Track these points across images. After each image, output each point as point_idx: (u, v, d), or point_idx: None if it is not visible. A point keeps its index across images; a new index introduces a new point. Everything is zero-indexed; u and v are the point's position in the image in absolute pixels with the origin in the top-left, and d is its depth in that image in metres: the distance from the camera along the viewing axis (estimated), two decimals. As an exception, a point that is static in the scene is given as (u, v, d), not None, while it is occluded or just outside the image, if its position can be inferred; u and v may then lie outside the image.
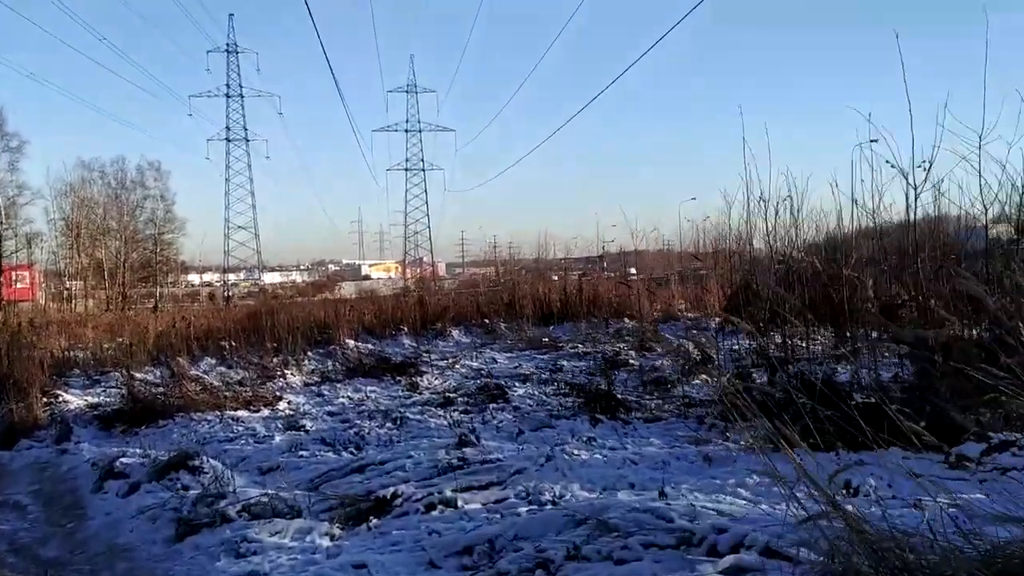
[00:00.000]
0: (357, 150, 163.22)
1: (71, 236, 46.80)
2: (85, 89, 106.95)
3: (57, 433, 8.66)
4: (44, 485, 6.93)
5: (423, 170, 71.52)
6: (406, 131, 70.56)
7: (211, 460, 5.77)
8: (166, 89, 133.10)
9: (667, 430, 6.08)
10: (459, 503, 4.45)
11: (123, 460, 6.41)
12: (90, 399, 10.89)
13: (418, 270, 72.99)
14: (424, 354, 13.86)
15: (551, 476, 4.69)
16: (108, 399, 10.97)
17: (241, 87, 63.75)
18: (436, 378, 10.50)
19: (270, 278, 74.62)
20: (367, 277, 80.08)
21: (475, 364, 12.29)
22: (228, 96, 63.58)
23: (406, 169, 71.93)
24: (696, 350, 9.03)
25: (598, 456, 5.17)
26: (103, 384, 12.20)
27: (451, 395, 8.62)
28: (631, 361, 10.62)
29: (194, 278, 71.41)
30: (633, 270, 43.53)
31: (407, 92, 69.85)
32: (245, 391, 9.53)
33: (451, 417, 7.24)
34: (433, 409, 7.79)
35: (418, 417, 7.44)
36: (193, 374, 11.59)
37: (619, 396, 7.07)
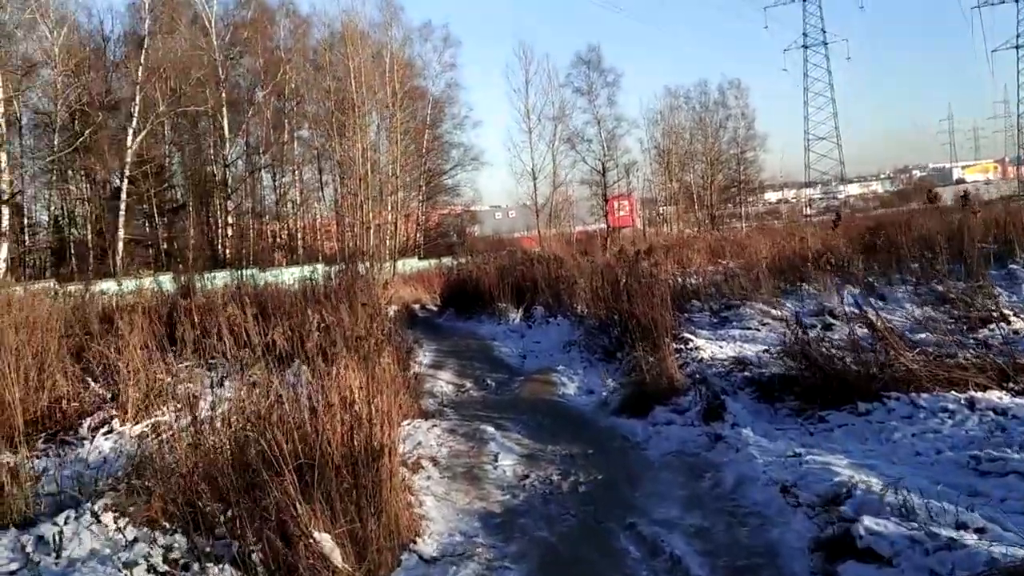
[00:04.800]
0: (943, 38, 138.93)
1: (662, 163, 48.21)
2: (662, 16, 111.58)
3: (703, 405, 6.05)
4: (707, 516, 4.18)
5: (1042, 41, 55.51)
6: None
7: None
8: (742, 3, 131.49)
9: None
10: None
11: (868, 524, 3.15)
12: (726, 347, 8.29)
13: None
14: None
15: None
16: (747, 346, 8.27)
17: (818, -14, 57.95)
18: None
19: (848, 190, 68.34)
20: (960, 181, 67.69)
21: None
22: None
23: (1016, 47, 56.79)
24: None
25: None
26: (734, 323, 9.61)
27: None
28: None
29: (770, 196, 69.20)
30: None
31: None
32: (988, 355, 5.58)
33: None
34: None
35: None
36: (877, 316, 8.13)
37: None
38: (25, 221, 27.83)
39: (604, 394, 7.75)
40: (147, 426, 5.46)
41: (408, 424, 6.09)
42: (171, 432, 4.22)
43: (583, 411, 7.35)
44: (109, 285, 12.58)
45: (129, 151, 26.66)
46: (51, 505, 3.98)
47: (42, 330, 6.28)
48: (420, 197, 39.17)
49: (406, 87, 33.61)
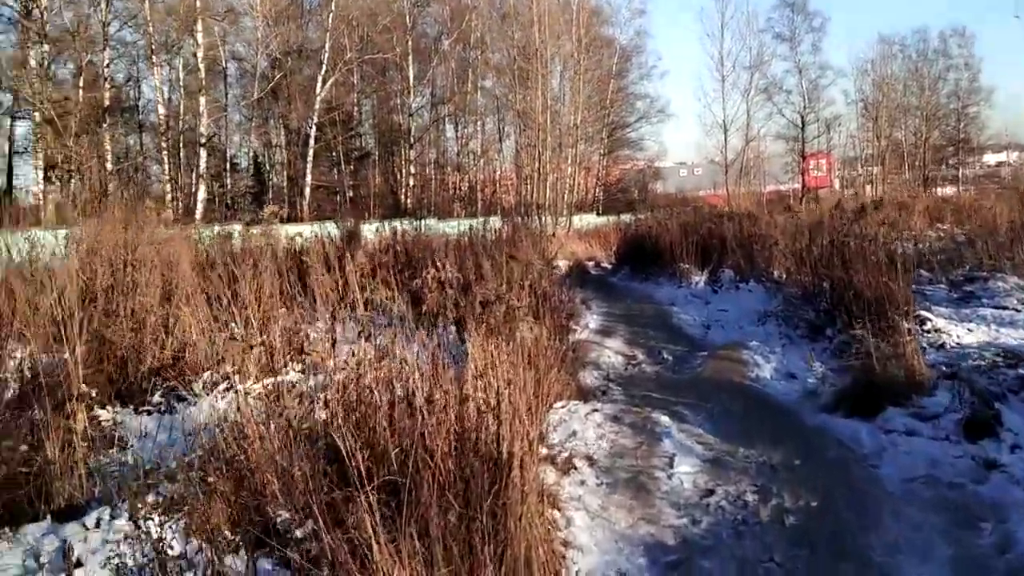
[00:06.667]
0: None
1: (869, 117, 43.37)
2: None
3: (965, 412, 4.43)
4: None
5: None
6: None
7: None
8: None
9: None
10: None
11: None
12: (976, 331, 6.48)
13: None
14: None
15: None
16: (1005, 331, 6.44)
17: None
18: None
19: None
20: None
21: None
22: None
23: None
24: None
25: None
26: (983, 299, 7.67)
27: None
28: None
29: (988, 158, 60.79)
30: None
31: None
32: None
33: None
34: None
35: None
36: None
37: None
38: (228, 165, 29.33)
39: (811, 381, 6.24)
40: (264, 387, 4.71)
41: (562, 407, 4.96)
42: (260, 403, 3.36)
43: (783, 402, 5.89)
44: (292, 228, 12.29)
45: (318, 98, 27.21)
46: (112, 487, 3.24)
47: (173, 271, 5.73)
48: (601, 150, 37.66)
49: (592, 35, 32.00)
